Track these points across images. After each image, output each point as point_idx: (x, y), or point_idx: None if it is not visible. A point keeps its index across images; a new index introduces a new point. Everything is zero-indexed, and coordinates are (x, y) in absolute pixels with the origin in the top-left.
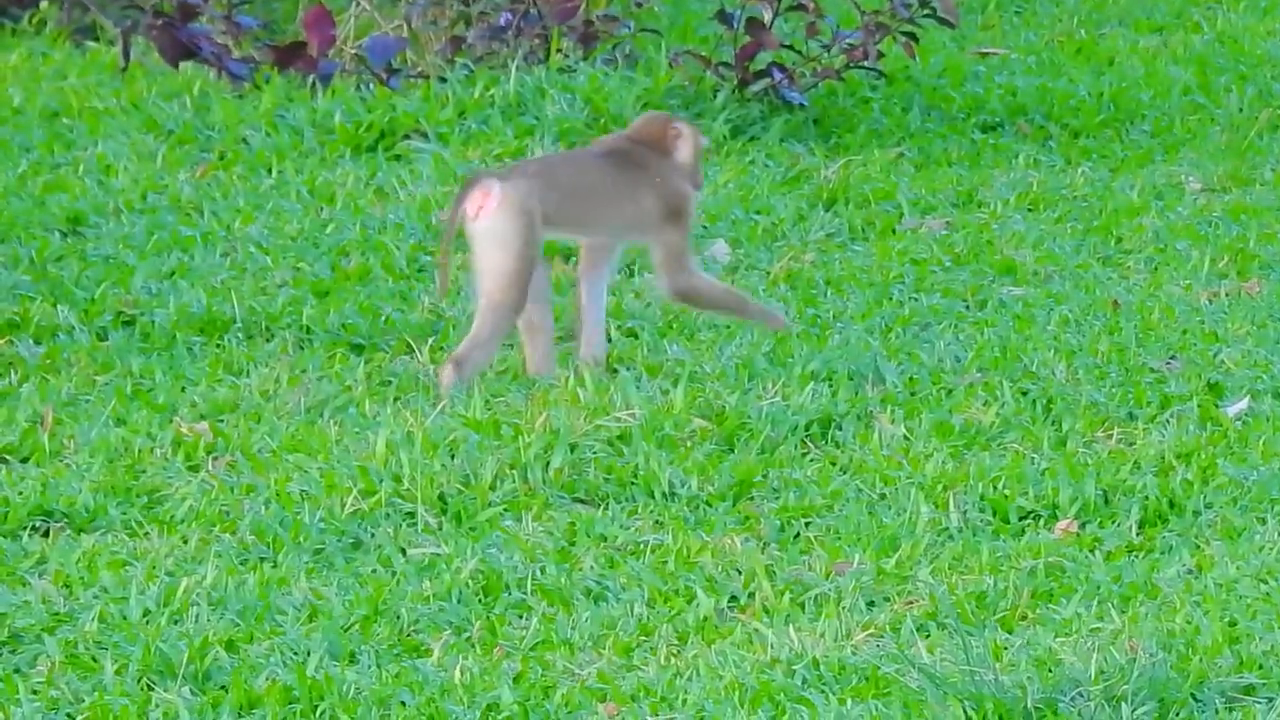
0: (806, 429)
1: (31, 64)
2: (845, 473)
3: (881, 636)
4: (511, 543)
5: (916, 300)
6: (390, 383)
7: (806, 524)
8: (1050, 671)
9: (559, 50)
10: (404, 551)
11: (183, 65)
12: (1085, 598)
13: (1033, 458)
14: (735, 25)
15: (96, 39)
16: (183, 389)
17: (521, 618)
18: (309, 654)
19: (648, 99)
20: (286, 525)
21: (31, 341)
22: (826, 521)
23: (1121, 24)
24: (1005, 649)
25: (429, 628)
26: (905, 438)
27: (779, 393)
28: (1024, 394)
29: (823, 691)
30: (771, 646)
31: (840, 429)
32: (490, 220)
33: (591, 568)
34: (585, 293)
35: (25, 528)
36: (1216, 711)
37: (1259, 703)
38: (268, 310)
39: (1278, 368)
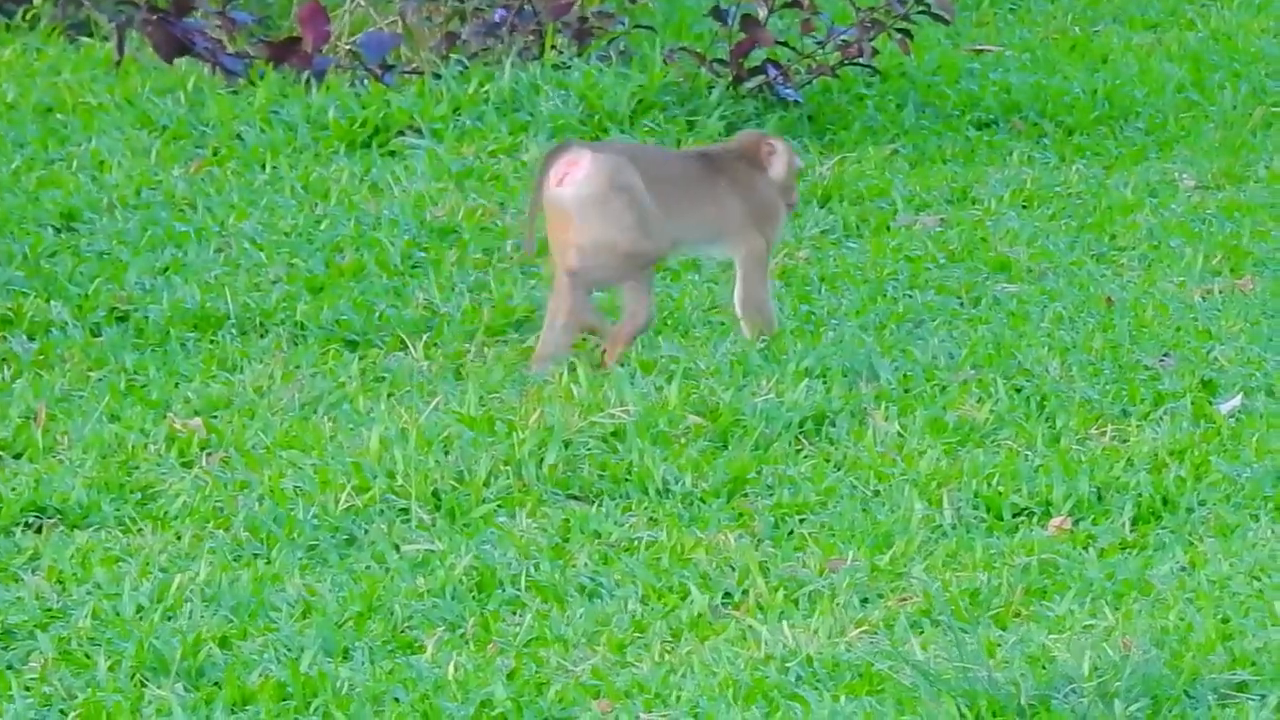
0: (800, 425)
1: (25, 59)
2: (839, 469)
3: (875, 633)
4: (505, 539)
5: (911, 297)
6: (384, 379)
7: (800, 520)
8: (1044, 668)
9: (553, 46)
10: (398, 548)
11: (177, 61)
12: (1079, 594)
13: (1026, 455)
14: (730, 22)
15: (91, 34)
16: (176, 385)
17: (515, 614)
18: (303, 650)
19: (642, 95)
20: (280, 521)
21: (25, 337)
22: (820, 518)
23: (1115, 21)
24: (999, 646)
25: (423, 624)
26: (899, 434)
27: (773, 389)
28: (1018, 391)
29: (816, 688)
30: (765, 643)
31: (834, 425)
32: (576, 189)
33: (585, 564)
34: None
35: (18, 524)
36: (1209, 708)
37: (1252, 699)
38: (262, 306)
39: (1271, 365)
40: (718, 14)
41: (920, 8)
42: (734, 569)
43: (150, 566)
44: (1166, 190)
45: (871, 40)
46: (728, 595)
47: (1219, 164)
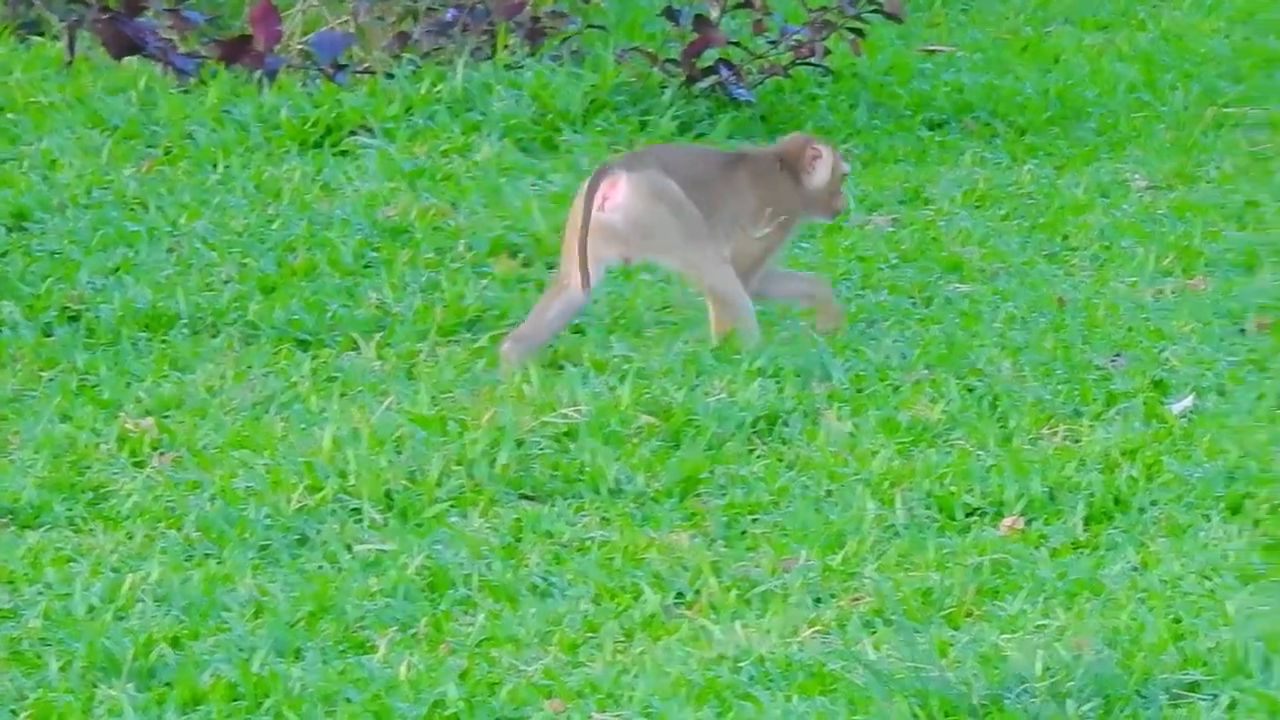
0: (753, 425)
1: None
2: (792, 469)
3: (828, 633)
4: (458, 539)
5: (863, 297)
6: (336, 379)
7: (753, 520)
8: (996, 668)
9: (506, 46)
10: (350, 548)
11: (128, 60)
12: (1031, 594)
13: (979, 454)
14: (682, 22)
15: (41, 34)
16: (128, 385)
17: (468, 614)
18: (254, 650)
19: (595, 95)
20: (232, 521)
21: None
22: (773, 518)
23: (1067, 22)
24: (951, 645)
25: (375, 624)
26: (852, 434)
27: (726, 389)
28: (970, 391)
29: (769, 688)
30: (718, 643)
31: (787, 425)
32: (623, 210)
33: (538, 564)
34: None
35: None
36: (1161, 708)
37: (1203, 699)
38: (213, 306)
39: (1222, 365)
40: (670, 14)
41: (872, 8)
42: (686, 569)
43: (101, 566)
44: (1118, 190)
45: (823, 40)
46: (680, 595)
47: (1170, 164)
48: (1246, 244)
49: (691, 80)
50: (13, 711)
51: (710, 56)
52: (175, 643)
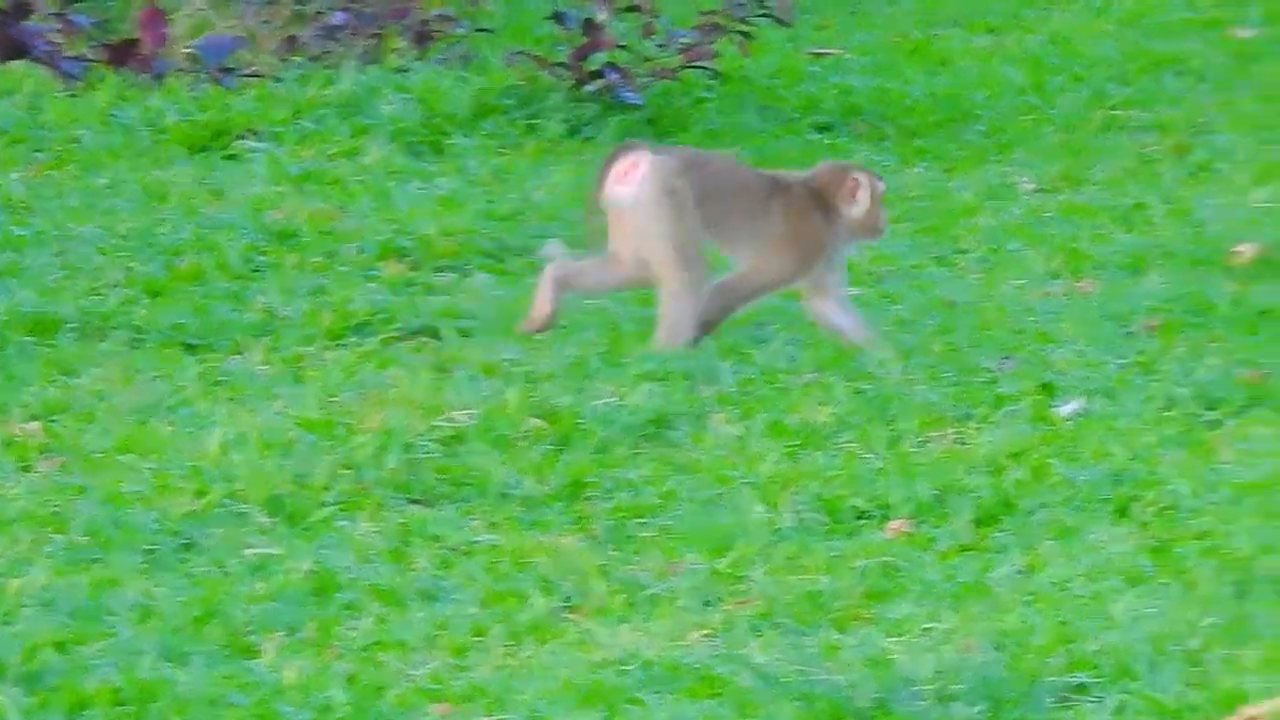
0: (641, 429)
1: None
2: (680, 473)
3: (715, 636)
4: (345, 543)
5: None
6: (224, 382)
7: (640, 524)
8: (883, 671)
9: (394, 50)
10: (237, 552)
11: (15, 64)
12: (918, 597)
13: (867, 457)
14: (570, 25)
15: None
16: (15, 389)
17: (355, 618)
18: (140, 655)
19: (483, 99)
20: (119, 526)
21: None
22: (661, 521)
23: (956, 25)
24: (838, 649)
25: (262, 628)
26: (740, 438)
27: (613, 392)
28: (859, 393)
29: (656, 691)
30: (605, 647)
31: (674, 429)
32: (635, 189)
33: (425, 568)
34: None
35: None
36: (1048, 710)
37: (1091, 701)
38: (100, 310)
39: (1110, 368)
40: (558, 18)
41: (760, 11)
42: (574, 572)
43: None
44: (1006, 193)
45: (712, 43)
46: (568, 599)
47: (1059, 167)
48: (1134, 247)
49: (580, 83)
50: None
51: (599, 60)
52: (61, 647)
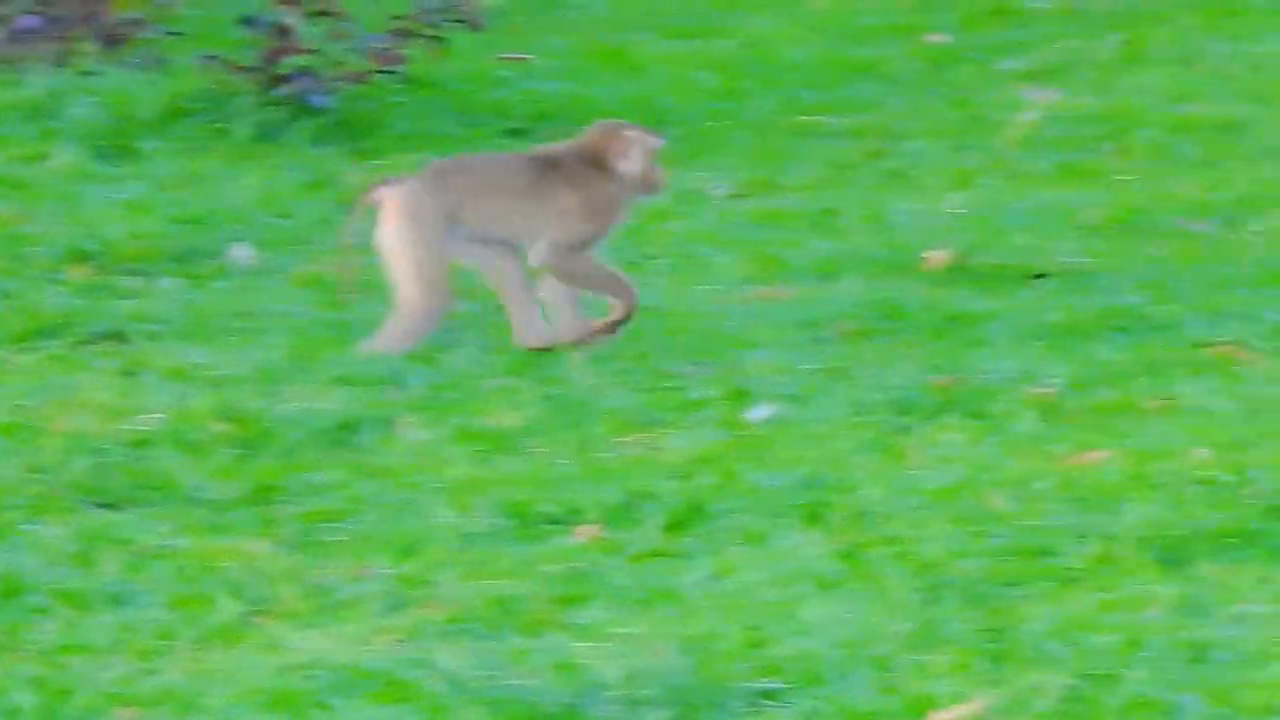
0: (330, 433)
1: None
2: (368, 477)
3: (403, 641)
4: (32, 546)
5: None
6: None
7: (329, 528)
8: (572, 676)
9: (83, 53)
10: None
11: None
12: (608, 602)
13: (557, 462)
14: (261, 30)
15: None
16: None
17: (42, 621)
18: None
19: (173, 102)
20: None
21: None
22: (349, 526)
23: (649, 30)
24: (528, 654)
25: None
26: (428, 442)
27: (303, 396)
28: (548, 398)
29: (344, 696)
30: (293, 651)
31: (363, 434)
32: (383, 224)
33: (113, 572)
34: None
35: None
36: (738, 716)
37: (780, 707)
38: None
39: (802, 373)
40: (249, 22)
41: (452, 16)
42: (262, 577)
43: None
44: (698, 198)
45: (403, 48)
46: (256, 603)
47: (751, 172)
48: (827, 252)
49: (270, 87)
50: None
51: (289, 64)
52: None
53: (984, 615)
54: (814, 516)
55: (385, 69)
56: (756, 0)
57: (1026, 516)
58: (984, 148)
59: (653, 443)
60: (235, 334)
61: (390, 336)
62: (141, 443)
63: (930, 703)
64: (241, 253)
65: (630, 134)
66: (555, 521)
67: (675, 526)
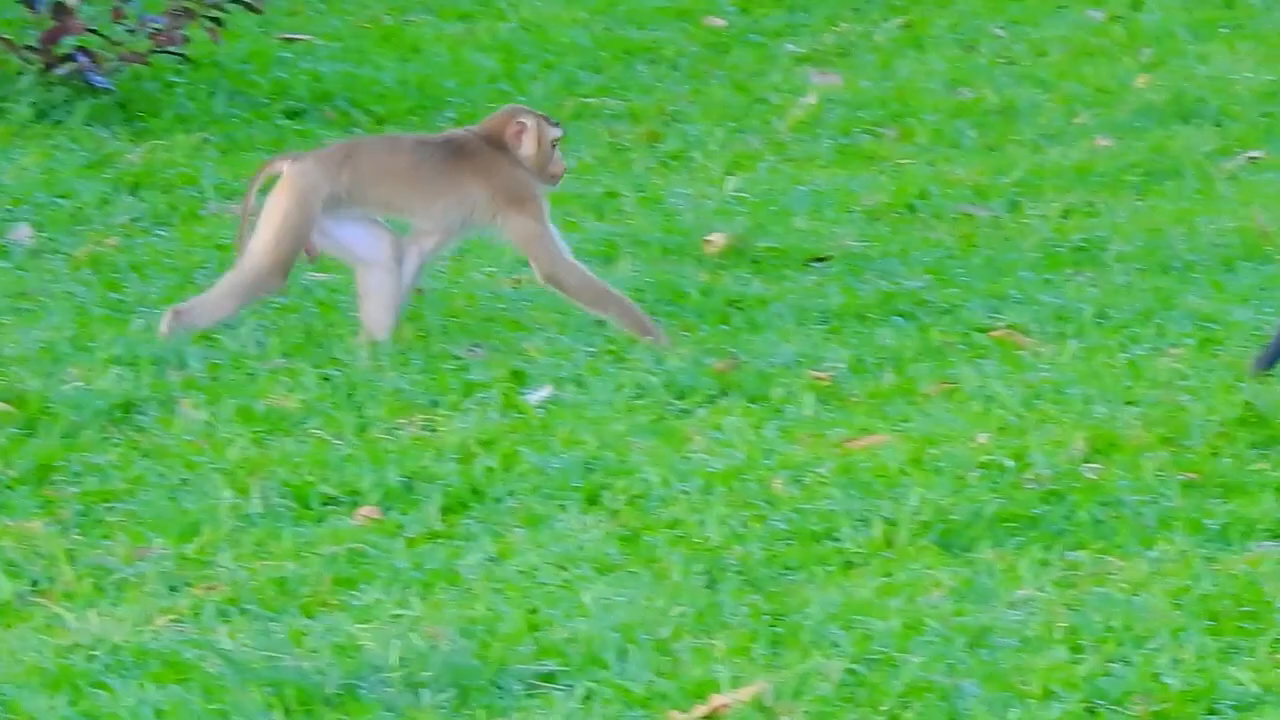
0: (109, 413)
1: None
2: (148, 457)
3: (183, 621)
4: None
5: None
6: None
7: (108, 508)
8: (351, 657)
9: None
10: None
11: None
12: (386, 584)
13: (335, 444)
14: (39, 8)
15: None
16: None
17: None
18: None
19: None
20: None
21: None
22: (129, 506)
23: (427, 11)
24: (306, 635)
25: None
26: (208, 423)
27: (82, 377)
28: (327, 380)
29: (123, 676)
30: (72, 631)
31: (143, 414)
32: (272, 194)
33: None
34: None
35: None
36: (517, 698)
37: (559, 690)
38: None
39: (580, 356)
40: (27, 1)
41: None
42: (41, 556)
43: None
44: None
45: (182, 28)
46: (35, 583)
47: None
48: (606, 235)
49: (49, 67)
50: None
51: (68, 44)
52: None
53: (764, 599)
54: (594, 499)
55: (165, 49)
56: None
57: (807, 500)
58: (764, 131)
59: (432, 425)
60: (15, 314)
61: (216, 294)
62: None
63: (710, 686)
64: (21, 233)
65: (525, 120)
66: (334, 503)
67: (455, 508)
